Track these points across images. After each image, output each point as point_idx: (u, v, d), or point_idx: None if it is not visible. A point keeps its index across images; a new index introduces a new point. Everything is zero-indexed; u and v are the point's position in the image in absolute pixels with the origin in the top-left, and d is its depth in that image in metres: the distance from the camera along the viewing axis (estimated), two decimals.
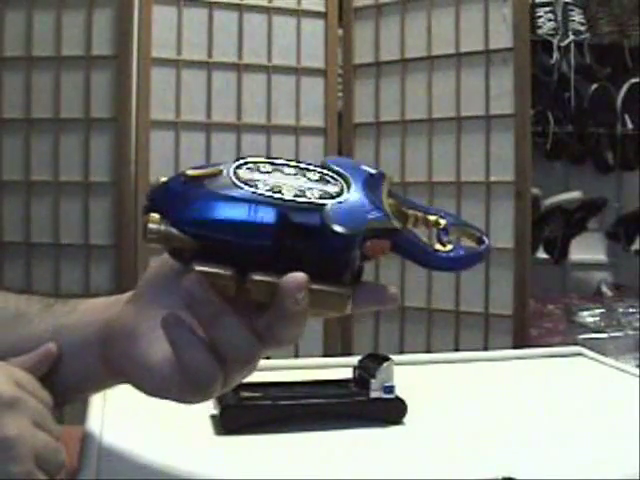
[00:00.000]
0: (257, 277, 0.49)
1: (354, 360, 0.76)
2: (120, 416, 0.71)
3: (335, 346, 2.02)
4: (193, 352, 0.50)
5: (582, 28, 2.62)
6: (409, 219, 0.53)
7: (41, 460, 0.52)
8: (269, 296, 0.50)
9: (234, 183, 0.50)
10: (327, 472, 0.61)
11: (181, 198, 0.50)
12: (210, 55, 1.95)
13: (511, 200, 1.87)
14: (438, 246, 0.53)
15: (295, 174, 0.53)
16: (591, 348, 1.01)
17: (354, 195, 0.52)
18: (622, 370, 0.91)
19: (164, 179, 0.52)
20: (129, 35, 1.86)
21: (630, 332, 2.41)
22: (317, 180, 0.53)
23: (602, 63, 2.72)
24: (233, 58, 1.97)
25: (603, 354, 1.00)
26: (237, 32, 1.97)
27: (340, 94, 2.10)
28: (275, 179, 0.51)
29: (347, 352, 2.01)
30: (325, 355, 1.95)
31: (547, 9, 2.61)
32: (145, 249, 1.82)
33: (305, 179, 0.52)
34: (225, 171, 0.51)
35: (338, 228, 0.49)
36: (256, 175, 0.51)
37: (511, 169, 1.88)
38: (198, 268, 0.49)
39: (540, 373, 0.94)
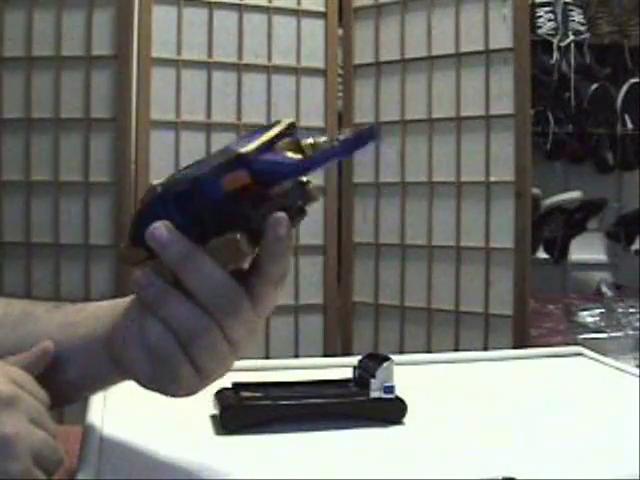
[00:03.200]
0: None
1: (354, 360, 0.76)
2: (120, 416, 0.71)
3: (335, 346, 2.02)
4: (149, 326, 0.54)
5: (582, 28, 2.63)
6: (305, 149, 0.54)
7: (39, 458, 0.52)
8: None
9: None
10: (327, 472, 0.61)
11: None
12: (210, 55, 1.95)
13: (511, 200, 1.87)
14: (295, 155, 0.53)
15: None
16: (591, 348, 1.01)
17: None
18: (622, 370, 0.91)
19: None
20: (129, 35, 1.86)
21: (630, 332, 2.41)
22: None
23: (602, 63, 2.72)
24: (233, 58, 1.97)
25: (603, 354, 0.99)
26: (237, 32, 1.97)
27: (340, 94, 2.10)
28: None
29: (347, 352, 2.01)
30: (325, 355, 1.95)
31: (547, 9, 2.62)
32: None
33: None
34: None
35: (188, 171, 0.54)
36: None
37: (511, 169, 1.88)
38: (141, 265, 0.56)
39: (540, 373, 0.94)
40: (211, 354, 0.54)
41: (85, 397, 0.64)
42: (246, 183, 0.52)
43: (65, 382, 0.60)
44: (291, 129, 0.55)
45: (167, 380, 0.55)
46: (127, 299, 0.60)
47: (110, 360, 0.59)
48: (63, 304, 0.65)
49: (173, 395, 0.57)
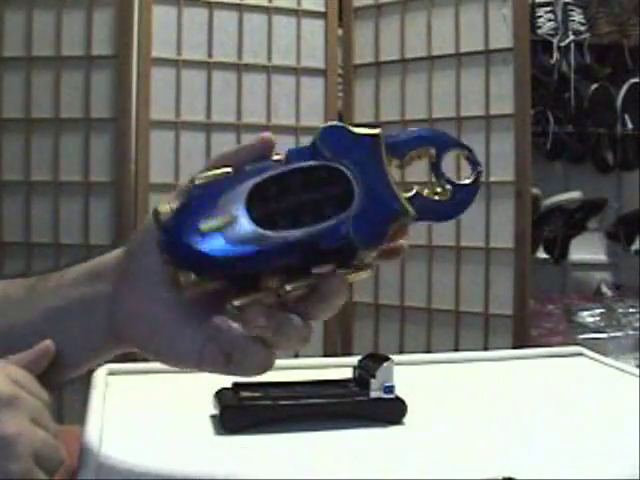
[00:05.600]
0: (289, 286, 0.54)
1: (354, 360, 0.76)
2: (120, 416, 0.71)
3: (335, 346, 2.02)
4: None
5: (582, 28, 2.63)
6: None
7: (40, 458, 0.52)
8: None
9: (253, 230, 0.51)
10: (327, 472, 0.61)
11: (193, 245, 0.51)
12: (210, 55, 1.95)
13: (511, 200, 1.87)
14: (438, 197, 0.57)
15: (301, 185, 0.54)
16: (591, 348, 1.01)
17: (365, 198, 0.54)
18: (622, 370, 0.91)
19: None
20: (129, 35, 1.86)
21: (630, 332, 2.41)
22: (323, 181, 0.54)
23: (602, 63, 2.72)
24: (233, 58, 1.97)
25: (603, 354, 0.99)
26: (237, 32, 1.97)
27: (340, 94, 2.10)
28: (288, 204, 0.53)
29: (347, 352, 2.01)
30: (325, 355, 1.95)
31: (547, 9, 2.62)
32: None
33: (312, 188, 0.54)
34: (238, 213, 0.51)
35: (363, 247, 0.54)
36: (271, 206, 0.52)
37: (511, 169, 1.88)
38: (237, 303, 0.52)
39: (540, 373, 0.93)
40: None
41: (72, 377, 0.63)
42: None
43: (57, 366, 0.60)
44: None
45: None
46: (115, 254, 0.60)
47: (108, 329, 0.59)
48: (37, 281, 0.65)
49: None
